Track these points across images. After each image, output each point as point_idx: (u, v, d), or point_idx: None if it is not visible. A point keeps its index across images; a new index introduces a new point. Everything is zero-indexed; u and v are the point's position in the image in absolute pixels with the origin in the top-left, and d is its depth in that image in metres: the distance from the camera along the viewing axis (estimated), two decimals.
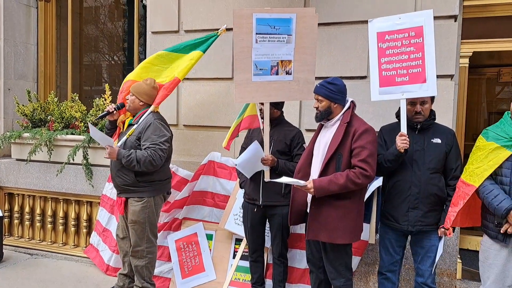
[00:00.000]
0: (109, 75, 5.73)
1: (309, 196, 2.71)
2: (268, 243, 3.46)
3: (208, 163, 3.94)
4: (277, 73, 2.93)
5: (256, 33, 2.84)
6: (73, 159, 4.37)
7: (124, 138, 3.27)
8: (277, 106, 3.20)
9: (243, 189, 3.37)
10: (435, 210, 2.72)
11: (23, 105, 4.73)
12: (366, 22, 2.86)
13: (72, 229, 4.61)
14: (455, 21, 3.38)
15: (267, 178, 3.05)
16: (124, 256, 3.53)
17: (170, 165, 3.58)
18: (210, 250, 3.86)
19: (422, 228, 2.71)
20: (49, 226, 4.69)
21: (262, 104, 3.09)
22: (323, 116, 2.69)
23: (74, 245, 4.63)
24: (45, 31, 5.31)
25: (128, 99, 3.39)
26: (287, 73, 2.94)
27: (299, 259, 3.51)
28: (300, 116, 3.84)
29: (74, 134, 4.49)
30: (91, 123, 3.12)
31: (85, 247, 4.49)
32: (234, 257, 3.70)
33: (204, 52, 3.63)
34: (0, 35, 4.93)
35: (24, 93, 4.87)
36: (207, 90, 4.17)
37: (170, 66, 3.66)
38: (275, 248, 3.29)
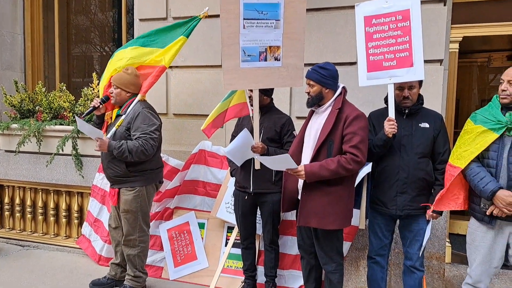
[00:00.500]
0: (100, 66, 5.66)
1: (300, 183, 2.71)
2: (259, 230, 3.48)
3: (199, 152, 3.94)
4: (265, 59, 2.90)
5: (244, 19, 2.80)
6: (62, 150, 4.33)
7: (114, 129, 3.24)
8: (266, 93, 3.18)
9: (234, 178, 3.37)
10: (423, 194, 2.74)
11: (10, 96, 4.66)
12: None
13: (64, 220, 4.59)
14: (444, 5, 3.36)
15: (257, 166, 3.05)
16: (116, 245, 3.53)
17: (161, 154, 3.56)
18: (202, 238, 3.88)
19: (410, 212, 2.74)
20: (40, 217, 4.66)
21: (251, 91, 3.08)
22: (315, 101, 2.68)
23: (65, 236, 4.61)
24: (32, 20, 5.21)
25: (112, 93, 3.32)
26: (276, 59, 2.92)
27: (290, 245, 3.53)
28: (291, 103, 3.83)
29: (63, 124, 4.44)
30: (78, 116, 3.07)
31: (77, 238, 4.48)
32: (226, 245, 3.72)
33: (187, 37, 3.55)
34: None
35: (12, 83, 4.80)
36: (196, 78, 4.14)
37: (150, 56, 3.54)
38: (267, 235, 3.31)
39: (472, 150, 2.44)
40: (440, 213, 2.71)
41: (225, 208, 3.70)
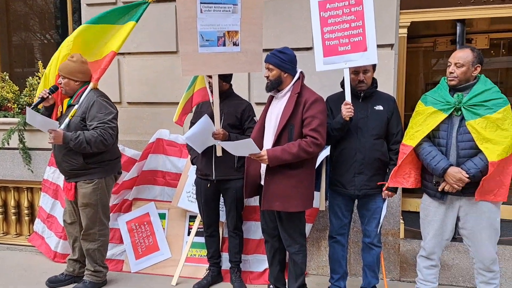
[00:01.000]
0: (42, 54, 5.32)
1: (263, 168, 2.73)
2: (222, 218, 3.48)
3: (156, 141, 3.84)
4: (224, 44, 2.87)
5: (201, 2, 2.74)
6: (8, 144, 4.07)
7: (67, 119, 3.07)
8: (225, 79, 3.15)
9: (195, 166, 3.33)
10: (379, 174, 2.85)
11: None
12: None
13: (13, 217, 4.34)
14: None
15: (219, 152, 3.03)
16: (74, 241, 3.40)
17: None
18: (164, 229, 3.82)
19: (368, 192, 2.85)
20: None
21: (210, 77, 3.03)
22: (274, 86, 2.69)
23: (16, 234, 4.37)
24: None
25: (61, 83, 3.15)
26: (235, 44, 2.89)
27: (254, 230, 3.57)
28: (249, 89, 3.82)
29: (7, 116, 4.17)
30: (30, 107, 2.87)
31: (29, 235, 4.27)
32: (188, 234, 3.69)
33: (136, 21, 3.43)
34: None
35: None
36: (150, 65, 4.01)
37: (100, 41, 3.43)
38: (230, 222, 3.31)
39: (423, 130, 2.57)
40: (395, 191, 2.84)
41: (186, 197, 3.65)
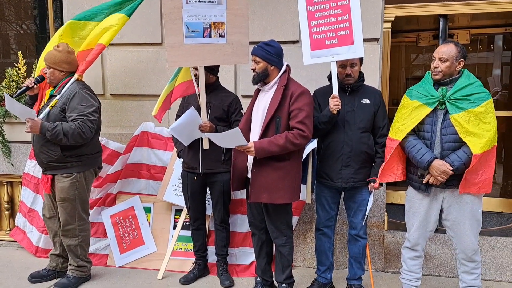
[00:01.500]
0: (18, 45, 5.16)
1: (250, 161, 2.73)
2: (209, 211, 3.47)
3: (141, 134, 3.79)
4: (210, 36, 2.83)
5: None
6: None
7: (47, 109, 3.00)
8: (212, 71, 3.12)
9: (181, 159, 3.30)
10: (365, 167, 2.89)
11: None
12: None
13: None
14: None
15: (206, 145, 3.00)
16: (54, 236, 3.34)
17: (100, 138, 3.38)
18: (149, 222, 3.78)
19: (354, 184, 2.88)
20: None
21: (196, 69, 3.00)
22: (260, 78, 2.68)
23: None
24: None
25: (46, 73, 3.09)
26: (220, 35, 2.87)
27: (240, 223, 3.57)
28: (236, 82, 3.80)
29: None
30: (8, 94, 2.80)
31: (9, 230, 4.17)
32: (174, 228, 3.66)
33: (129, 16, 3.42)
34: None
35: None
36: (134, 57, 3.94)
37: (91, 34, 3.40)
38: (217, 215, 3.31)
39: (408, 123, 2.61)
40: (380, 184, 2.88)
41: (172, 191, 3.62)
